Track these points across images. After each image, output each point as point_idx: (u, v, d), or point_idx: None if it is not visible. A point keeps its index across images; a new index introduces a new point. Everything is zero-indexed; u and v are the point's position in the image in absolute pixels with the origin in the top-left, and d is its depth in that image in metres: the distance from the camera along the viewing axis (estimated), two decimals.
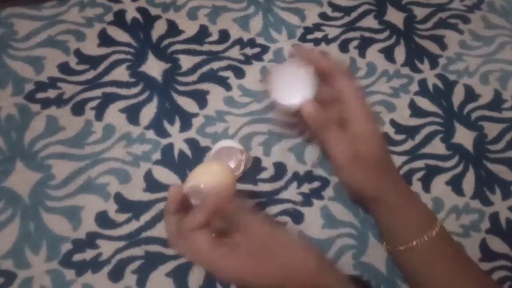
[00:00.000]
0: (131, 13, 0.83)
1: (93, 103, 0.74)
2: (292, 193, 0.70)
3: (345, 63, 0.72)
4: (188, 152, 0.72)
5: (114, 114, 0.74)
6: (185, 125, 0.74)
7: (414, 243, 0.55)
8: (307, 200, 0.70)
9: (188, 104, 0.76)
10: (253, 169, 0.71)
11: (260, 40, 0.83)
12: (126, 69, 0.78)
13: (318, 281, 0.47)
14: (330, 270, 0.50)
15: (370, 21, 0.88)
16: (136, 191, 0.68)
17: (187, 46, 0.81)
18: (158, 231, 0.66)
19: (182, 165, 0.71)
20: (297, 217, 0.68)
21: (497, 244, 0.69)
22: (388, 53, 0.84)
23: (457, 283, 0.56)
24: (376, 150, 0.55)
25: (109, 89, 0.76)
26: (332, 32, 0.86)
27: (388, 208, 0.58)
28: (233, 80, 0.78)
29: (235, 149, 0.69)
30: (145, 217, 0.67)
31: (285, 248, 0.49)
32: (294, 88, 0.49)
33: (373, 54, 0.84)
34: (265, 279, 0.46)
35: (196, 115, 0.75)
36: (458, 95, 0.81)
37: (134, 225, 0.66)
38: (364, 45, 0.85)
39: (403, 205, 0.58)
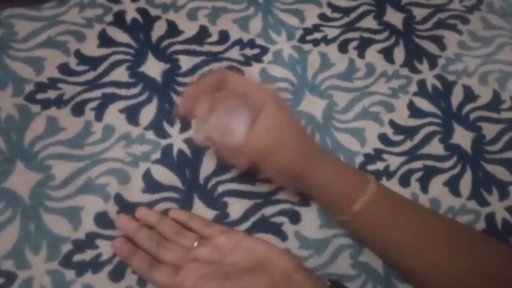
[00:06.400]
0: (131, 14, 0.84)
1: (93, 104, 0.74)
2: None
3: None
4: (188, 152, 0.72)
5: (113, 115, 0.74)
6: (185, 126, 0.74)
7: (356, 207, 0.56)
8: (304, 200, 0.70)
9: None
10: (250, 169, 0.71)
11: (259, 41, 0.83)
12: (126, 69, 0.78)
13: None
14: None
15: (369, 22, 0.88)
16: (135, 192, 0.69)
17: (187, 46, 0.81)
18: None
19: (182, 165, 0.71)
20: (294, 217, 0.68)
21: None
22: (387, 54, 0.85)
23: (422, 229, 0.57)
24: (278, 118, 0.58)
25: (108, 90, 0.76)
26: (331, 32, 0.86)
27: (318, 177, 0.60)
28: None
29: None
30: None
31: None
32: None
33: (372, 54, 0.84)
34: None
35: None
36: (457, 96, 0.82)
37: None
38: (363, 46, 0.85)
39: (335, 171, 0.60)
